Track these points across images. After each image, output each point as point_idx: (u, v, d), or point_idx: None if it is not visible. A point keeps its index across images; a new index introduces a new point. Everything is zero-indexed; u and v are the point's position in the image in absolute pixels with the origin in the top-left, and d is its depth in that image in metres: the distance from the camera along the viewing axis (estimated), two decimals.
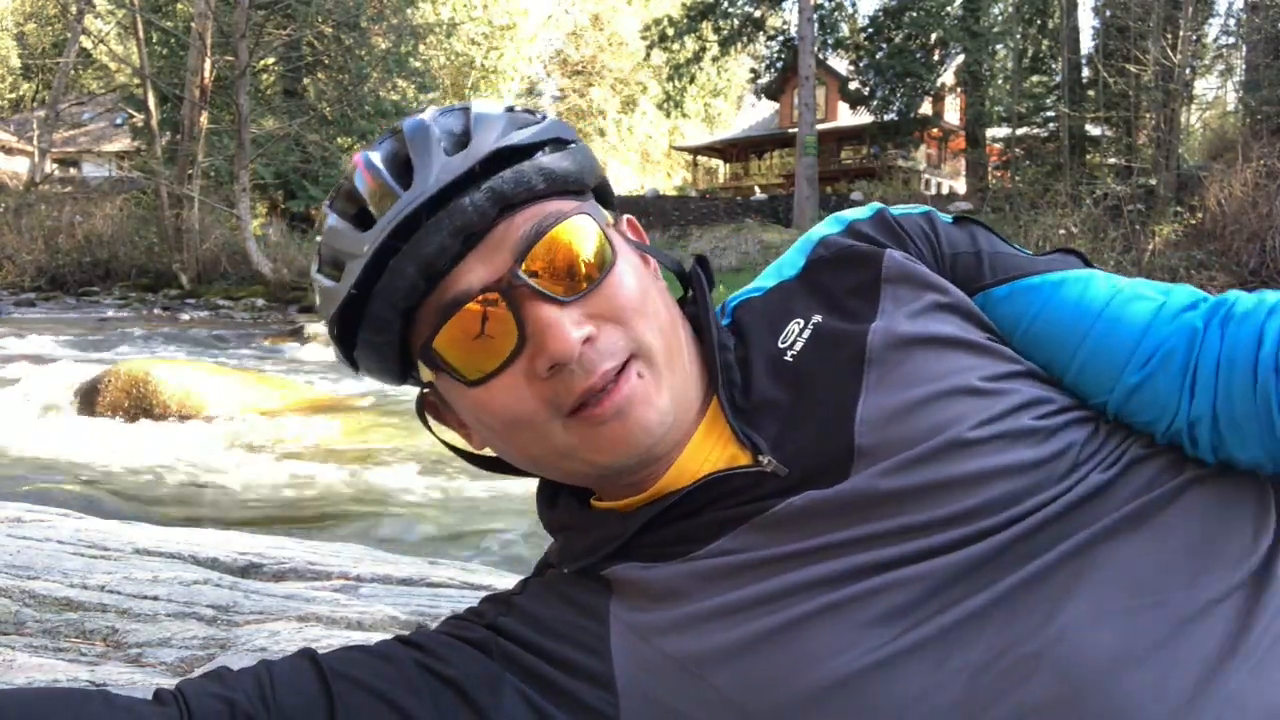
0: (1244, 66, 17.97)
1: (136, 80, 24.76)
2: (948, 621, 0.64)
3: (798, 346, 0.77)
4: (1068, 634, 0.62)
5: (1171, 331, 0.72)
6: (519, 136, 0.72)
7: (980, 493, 0.67)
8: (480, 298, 0.69)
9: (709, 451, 0.75)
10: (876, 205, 0.85)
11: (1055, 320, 0.76)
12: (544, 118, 0.76)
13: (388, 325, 0.72)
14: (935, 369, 0.72)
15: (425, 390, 0.80)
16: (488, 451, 0.83)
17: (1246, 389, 0.67)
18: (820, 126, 26.11)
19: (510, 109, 0.75)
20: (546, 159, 0.72)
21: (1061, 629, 0.62)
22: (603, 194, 0.81)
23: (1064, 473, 0.69)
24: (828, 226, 0.85)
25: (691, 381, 0.76)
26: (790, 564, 0.68)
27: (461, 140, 0.71)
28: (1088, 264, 0.80)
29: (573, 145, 0.76)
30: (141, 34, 22.19)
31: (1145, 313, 0.73)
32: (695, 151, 39.02)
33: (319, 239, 0.76)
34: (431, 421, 0.83)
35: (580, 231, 0.71)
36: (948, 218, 0.83)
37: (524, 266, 0.69)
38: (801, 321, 0.78)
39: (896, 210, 0.83)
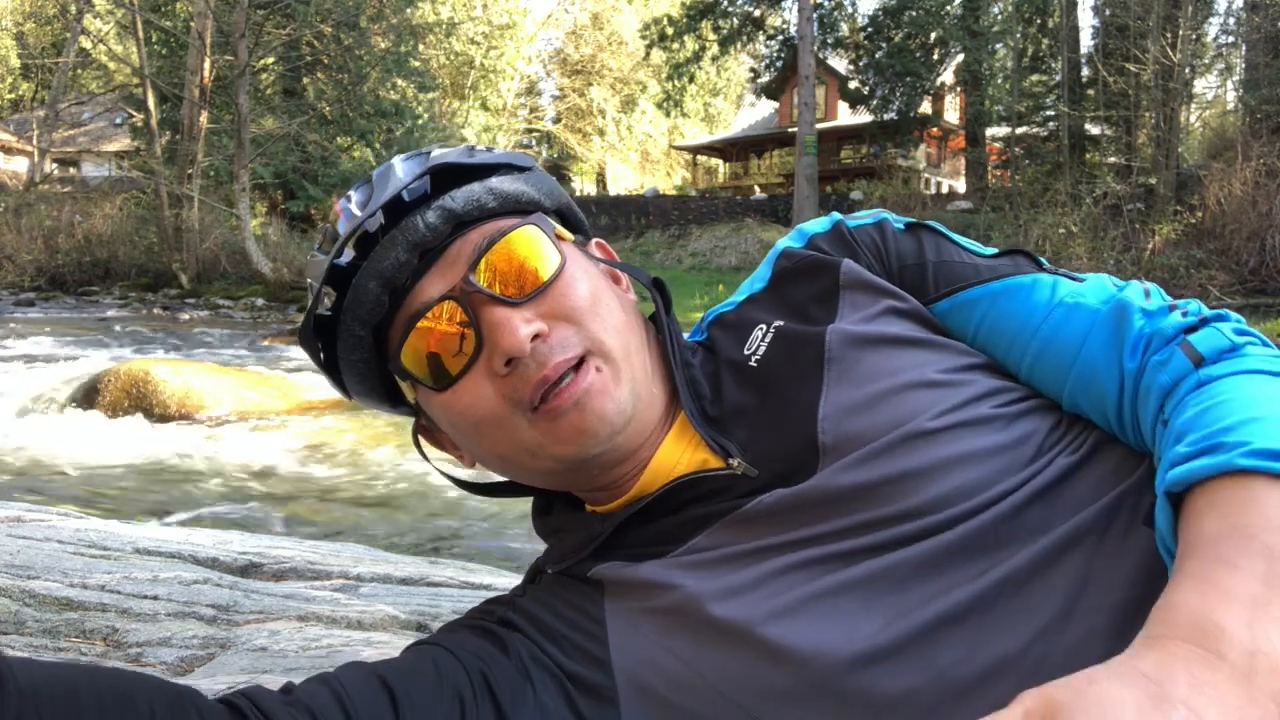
0: (1244, 66, 17.96)
1: (136, 80, 24.76)
2: (929, 616, 0.65)
3: (760, 351, 0.80)
4: (1049, 634, 0.63)
5: (1104, 368, 0.72)
6: (467, 160, 0.78)
7: (944, 481, 0.69)
8: (438, 307, 0.73)
9: (680, 455, 0.78)
10: (835, 217, 0.87)
11: (996, 334, 0.79)
12: (503, 151, 0.82)
13: (360, 342, 0.77)
14: (893, 364, 0.75)
15: (419, 418, 0.83)
16: (479, 477, 0.86)
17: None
18: (820, 126, 26.10)
19: (471, 148, 0.81)
20: (498, 181, 0.78)
21: (1042, 628, 0.63)
22: (568, 218, 0.85)
23: (1030, 457, 0.71)
24: (789, 240, 0.88)
25: (653, 380, 0.79)
26: (762, 557, 0.70)
27: (419, 171, 0.77)
28: (1039, 265, 0.81)
29: (528, 171, 0.81)
30: (141, 34, 22.16)
31: (1079, 333, 0.74)
32: (695, 151, 39.01)
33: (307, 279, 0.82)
34: (426, 447, 0.86)
35: (528, 240, 0.76)
36: (900, 224, 0.86)
37: (476, 274, 0.73)
38: (764, 327, 0.82)
39: (852, 221, 0.86)
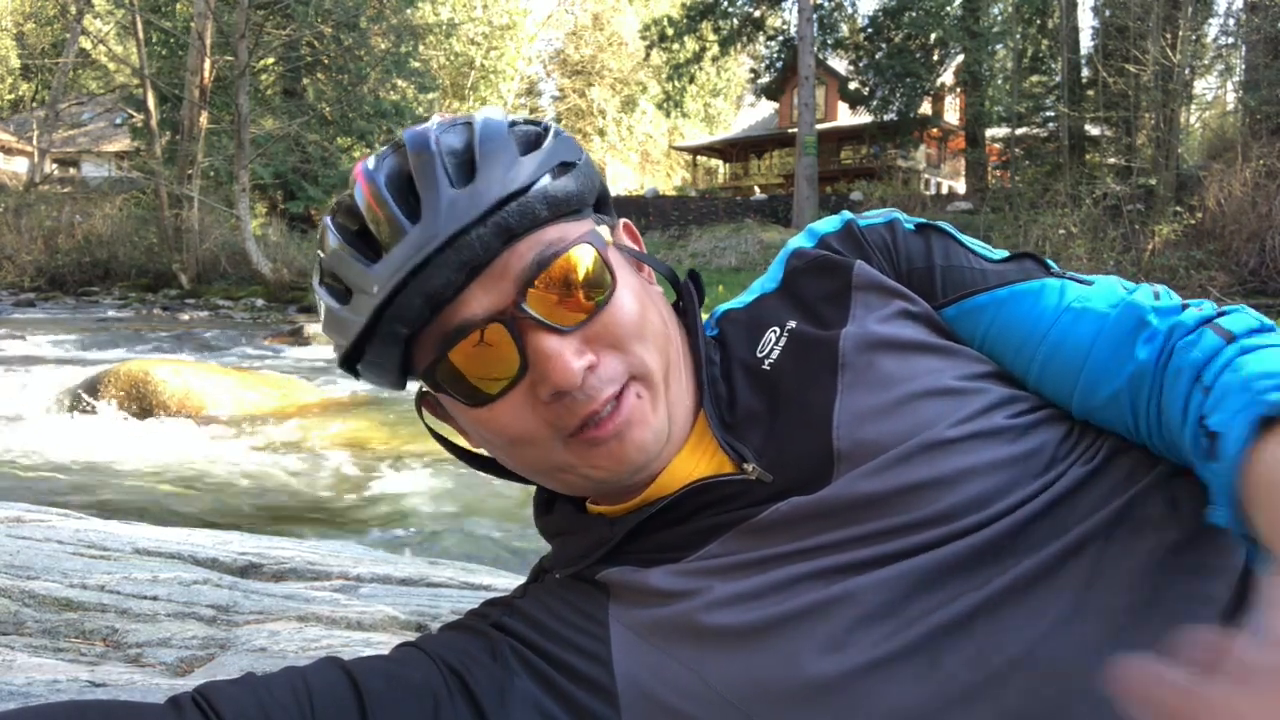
0: (1243, 66, 17.97)
1: (136, 80, 24.76)
2: (936, 623, 0.65)
3: (774, 355, 0.79)
4: (1055, 636, 0.63)
5: (1117, 364, 0.71)
6: (526, 171, 0.71)
7: (960, 491, 0.68)
8: (484, 327, 0.70)
9: (697, 460, 0.77)
10: (846, 216, 0.86)
11: (1003, 340, 0.78)
12: (546, 129, 0.76)
13: (391, 349, 0.73)
14: (907, 370, 0.74)
15: (424, 391, 0.81)
16: (484, 451, 0.84)
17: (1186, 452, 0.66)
18: (820, 126, 26.11)
19: (513, 124, 0.75)
20: (551, 186, 0.72)
21: (1048, 631, 0.63)
22: (601, 203, 0.82)
23: (1042, 468, 0.70)
24: (801, 239, 0.87)
25: (686, 394, 0.78)
26: (778, 563, 0.70)
27: (464, 165, 0.71)
28: (1047, 269, 0.80)
29: (576, 165, 0.76)
30: (141, 34, 22.17)
31: (1088, 336, 0.73)
32: (695, 151, 38.99)
33: (320, 253, 0.77)
34: (430, 420, 0.84)
35: (581, 261, 0.72)
36: (910, 224, 0.84)
37: (526, 298, 0.69)
38: (778, 329, 0.80)
39: (863, 220, 0.85)
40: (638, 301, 0.75)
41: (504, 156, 0.72)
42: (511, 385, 0.71)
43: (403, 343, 0.73)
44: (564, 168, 0.75)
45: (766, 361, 0.79)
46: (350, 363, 0.79)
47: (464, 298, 0.70)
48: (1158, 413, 0.69)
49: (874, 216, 0.85)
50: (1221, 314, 0.70)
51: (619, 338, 0.72)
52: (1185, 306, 0.72)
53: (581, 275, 0.71)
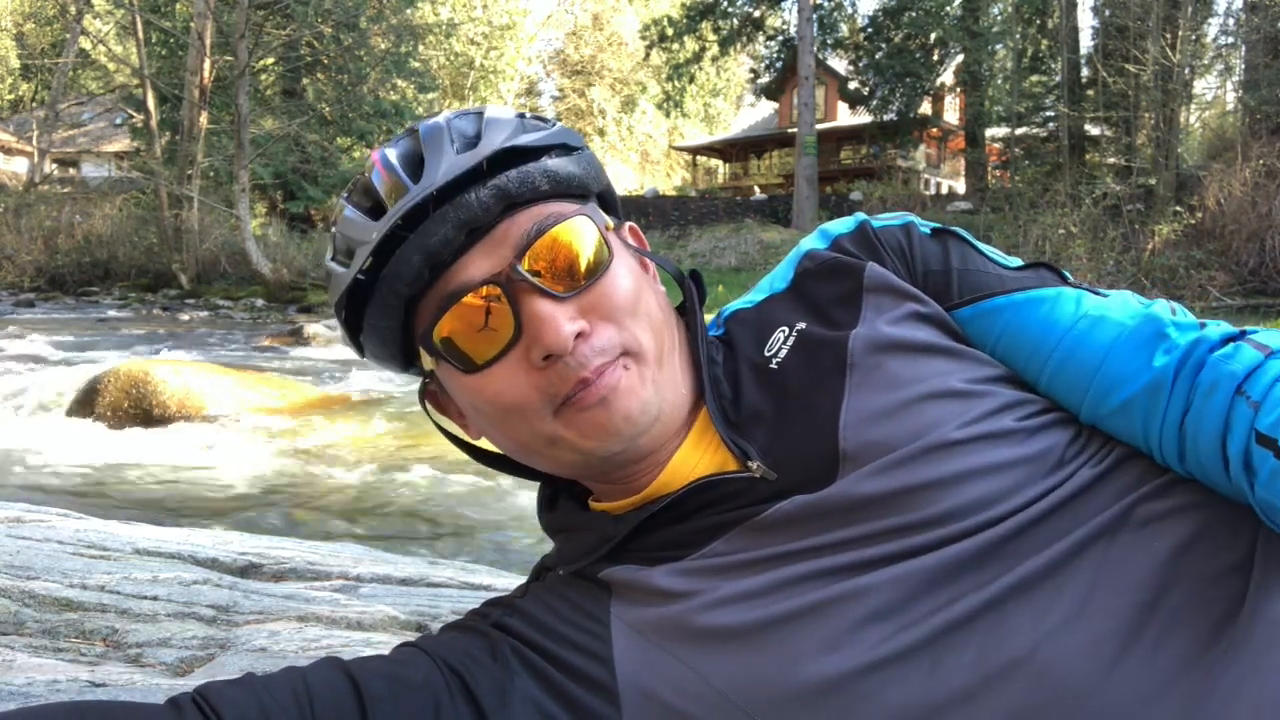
0: (1243, 66, 17.99)
1: (136, 80, 24.78)
2: (938, 624, 0.65)
3: (782, 354, 0.79)
4: (1057, 636, 0.63)
5: (1133, 371, 0.71)
6: (526, 139, 0.75)
7: (964, 492, 0.68)
8: (480, 290, 0.72)
9: (700, 457, 0.77)
10: (860, 217, 0.86)
11: (1018, 343, 0.78)
12: (554, 124, 0.79)
13: (391, 310, 0.75)
14: (916, 372, 0.74)
15: (427, 380, 0.82)
16: (486, 445, 0.85)
17: (1216, 470, 0.66)
18: (820, 126, 26.11)
19: (522, 115, 0.78)
20: (552, 162, 0.75)
21: (1051, 631, 0.63)
22: (607, 201, 0.83)
23: (1050, 469, 0.70)
24: (814, 240, 0.87)
25: (680, 381, 0.78)
26: (781, 562, 0.70)
27: (472, 141, 0.74)
28: (1063, 279, 0.80)
29: (579, 152, 0.78)
30: (140, 34, 22.18)
31: (1105, 342, 0.73)
32: (695, 151, 39.00)
33: (334, 229, 0.79)
34: (432, 410, 0.85)
35: (579, 232, 0.74)
36: (926, 228, 0.84)
37: (524, 262, 0.71)
38: (786, 329, 0.81)
39: (878, 222, 0.85)
40: (634, 280, 0.76)
41: (507, 127, 0.75)
42: (506, 350, 0.72)
43: (402, 305, 0.74)
44: (566, 150, 0.77)
45: (774, 361, 0.79)
46: (353, 331, 0.80)
47: (463, 262, 0.72)
48: (1177, 424, 0.68)
49: (889, 219, 0.85)
50: (1244, 332, 0.70)
51: (612, 310, 0.73)
52: (1204, 325, 0.72)
53: (579, 246, 0.74)
